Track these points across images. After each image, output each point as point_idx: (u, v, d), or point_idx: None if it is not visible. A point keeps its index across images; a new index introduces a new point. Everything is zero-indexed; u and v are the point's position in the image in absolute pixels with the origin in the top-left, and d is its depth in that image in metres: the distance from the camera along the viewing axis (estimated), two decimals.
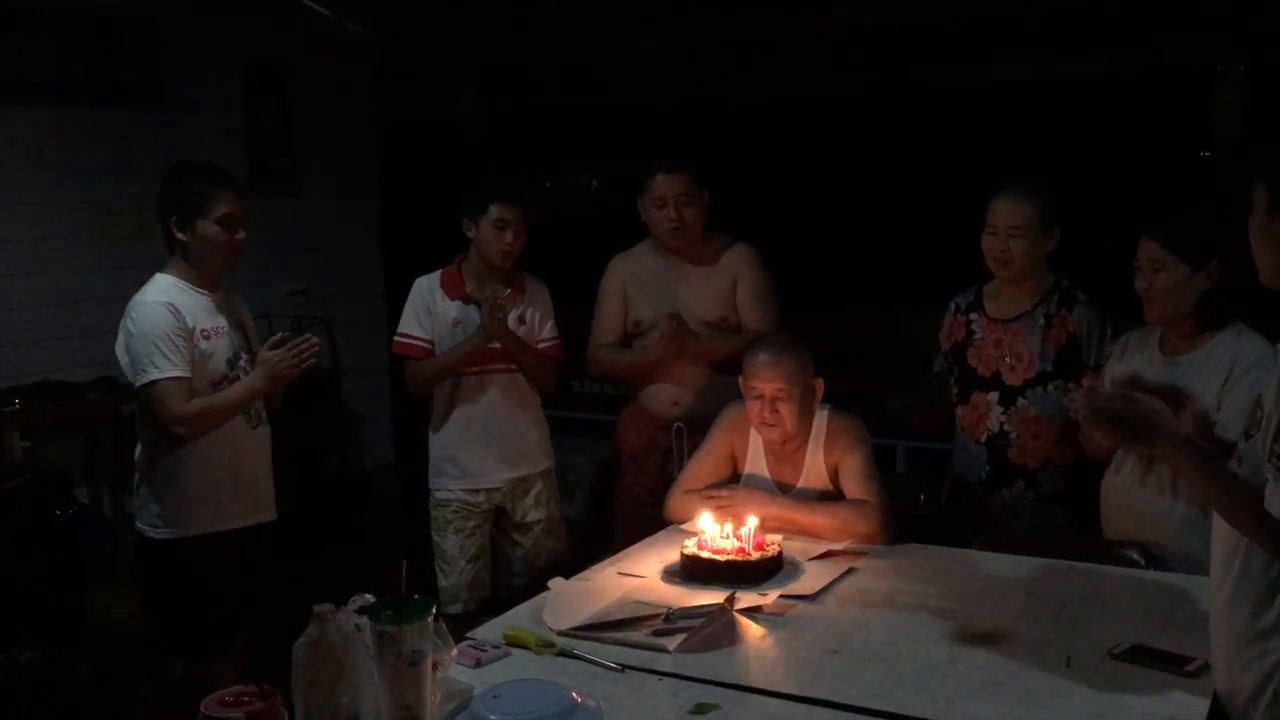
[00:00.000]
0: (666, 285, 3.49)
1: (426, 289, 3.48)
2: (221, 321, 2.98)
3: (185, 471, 2.92)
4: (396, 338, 3.49)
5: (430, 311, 3.45)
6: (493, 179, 3.49)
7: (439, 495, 3.52)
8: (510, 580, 3.54)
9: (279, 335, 3.02)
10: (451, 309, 3.44)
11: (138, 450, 3.02)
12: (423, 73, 6.54)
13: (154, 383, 2.83)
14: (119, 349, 2.91)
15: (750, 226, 3.73)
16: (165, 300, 2.87)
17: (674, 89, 6.06)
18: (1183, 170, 5.17)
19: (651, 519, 3.13)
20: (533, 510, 3.54)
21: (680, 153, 3.59)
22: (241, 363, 3.00)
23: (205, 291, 2.97)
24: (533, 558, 3.53)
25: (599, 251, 3.77)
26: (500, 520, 3.55)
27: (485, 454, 3.46)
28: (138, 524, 3.00)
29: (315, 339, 3.01)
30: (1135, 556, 2.71)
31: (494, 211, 3.36)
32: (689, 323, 3.43)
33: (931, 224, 5.22)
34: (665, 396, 3.52)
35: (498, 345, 3.39)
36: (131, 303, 2.91)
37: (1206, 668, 2.00)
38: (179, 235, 2.92)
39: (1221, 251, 2.54)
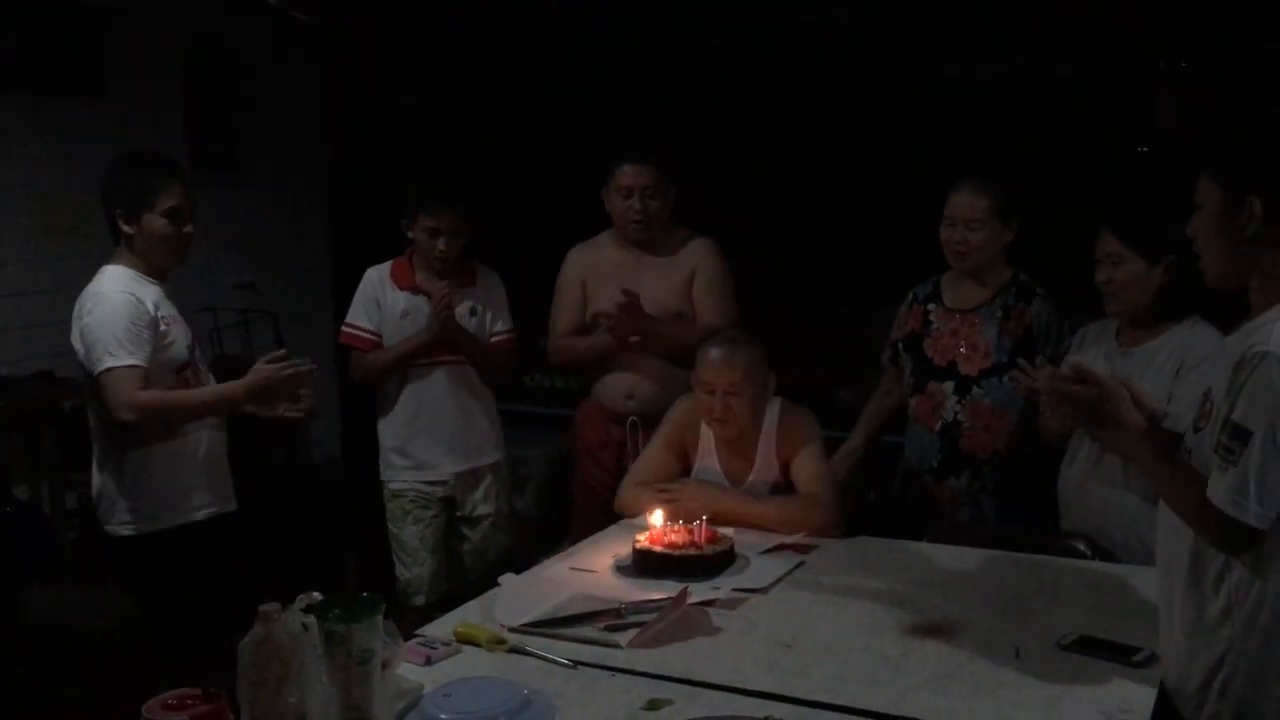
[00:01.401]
0: (626, 277, 3.45)
1: (376, 280, 3.45)
2: (175, 310, 2.93)
3: (153, 465, 2.86)
4: (343, 328, 3.47)
5: (379, 303, 3.42)
6: (418, 186, 3.42)
7: (394, 487, 3.49)
8: (459, 576, 3.51)
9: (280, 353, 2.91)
10: (400, 299, 3.42)
11: (97, 451, 2.93)
12: (372, 64, 6.47)
13: (109, 370, 2.76)
14: (75, 339, 2.84)
15: (703, 221, 3.70)
16: (126, 290, 2.80)
17: (635, 85, 6.05)
18: (1130, 166, 5.26)
19: (607, 513, 3.12)
20: (482, 504, 3.52)
21: (647, 145, 3.56)
22: (196, 353, 2.95)
23: (155, 281, 2.91)
24: (481, 552, 3.51)
25: (554, 246, 3.74)
26: (450, 513, 3.52)
27: (434, 445, 3.44)
28: (105, 526, 2.90)
29: (311, 367, 2.90)
30: (1082, 548, 2.74)
31: (423, 220, 3.34)
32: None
33: (885, 221, 5.26)
34: (620, 390, 3.50)
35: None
36: (86, 294, 2.84)
37: (1154, 658, 2.02)
38: (125, 228, 2.86)
39: (1178, 247, 2.58)
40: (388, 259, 3.50)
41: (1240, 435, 1.72)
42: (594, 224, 3.65)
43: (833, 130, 5.77)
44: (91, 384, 2.83)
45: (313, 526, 5.52)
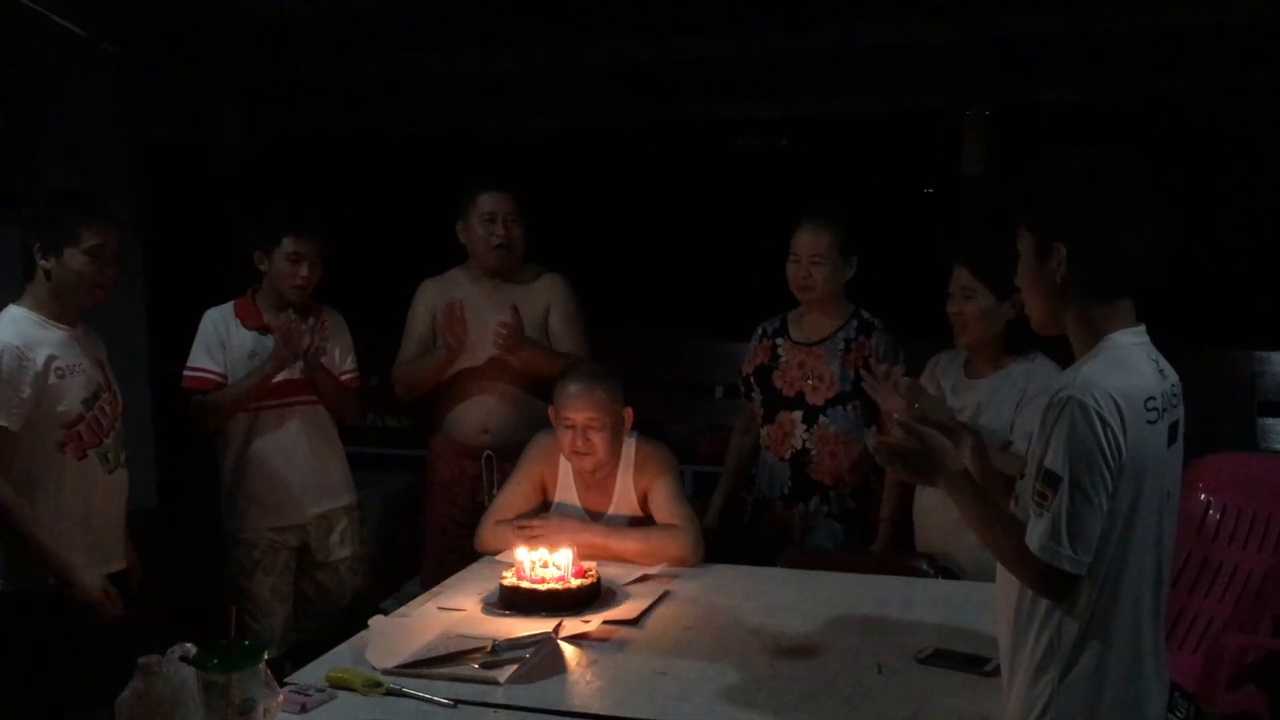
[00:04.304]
0: (479, 312, 3.41)
1: (220, 320, 3.32)
2: (81, 359, 2.79)
3: (38, 518, 2.68)
4: (186, 372, 3.30)
5: (224, 344, 3.28)
6: (284, 210, 3.35)
7: (243, 536, 3.32)
8: (309, 622, 3.39)
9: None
10: (248, 340, 3.30)
11: None
12: (182, 93, 6.25)
13: None
14: None
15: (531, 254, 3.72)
16: (12, 340, 2.67)
17: (445, 118, 6.02)
18: (933, 207, 5.59)
19: (459, 550, 3.11)
20: (338, 548, 3.41)
21: (501, 173, 3.57)
22: (100, 402, 2.81)
23: (64, 326, 2.77)
24: (337, 597, 3.40)
25: (383, 285, 3.71)
26: (301, 559, 3.40)
27: (288, 490, 3.31)
28: None
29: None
30: (924, 567, 2.91)
31: (287, 244, 3.25)
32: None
33: (713, 256, 5.42)
34: (474, 424, 3.48)
35: (294, 375, 3.27)
36: None
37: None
38: (42, 263, 2.73)
39: None
40: (208, 295, 3.40)
41: (1051, 481, 1.73)
42: (427, 259, 3.63)
43: (646, 168, 5.91)
44: None
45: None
